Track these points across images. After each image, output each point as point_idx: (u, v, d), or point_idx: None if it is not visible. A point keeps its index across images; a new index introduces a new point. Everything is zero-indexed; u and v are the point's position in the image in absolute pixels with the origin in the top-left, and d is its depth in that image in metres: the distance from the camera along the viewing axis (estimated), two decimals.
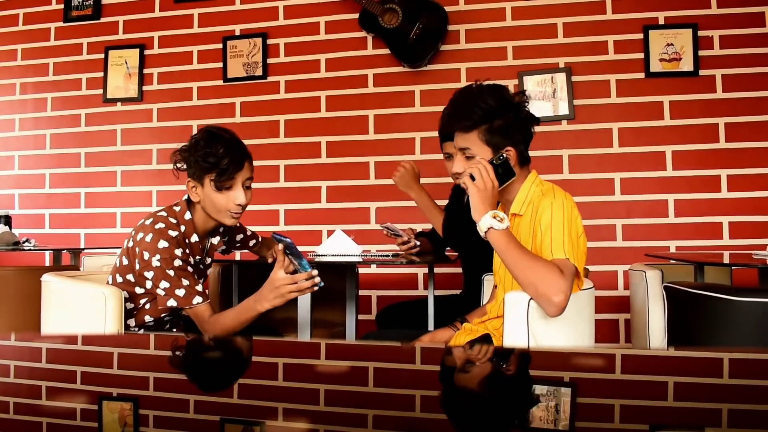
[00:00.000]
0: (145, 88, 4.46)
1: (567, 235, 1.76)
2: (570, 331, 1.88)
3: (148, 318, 2.20)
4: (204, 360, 0.98)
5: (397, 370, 0.89)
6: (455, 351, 1.17)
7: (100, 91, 4.52)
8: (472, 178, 1.82)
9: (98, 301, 2.07)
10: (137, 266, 2.11)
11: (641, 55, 3.79)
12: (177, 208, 2.19)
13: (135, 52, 4.46)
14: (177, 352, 1.03)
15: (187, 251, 2.15)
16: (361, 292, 3.85)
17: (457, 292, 3.27)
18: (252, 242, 2.57)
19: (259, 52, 4.27)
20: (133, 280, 2.16)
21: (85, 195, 4.52)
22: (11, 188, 4.66)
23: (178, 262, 2.08)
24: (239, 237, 2.52)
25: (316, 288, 1.99)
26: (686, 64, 3.73)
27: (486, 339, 1.96)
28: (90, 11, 4.56)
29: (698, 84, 3.73)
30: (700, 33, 3.73)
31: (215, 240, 2.30)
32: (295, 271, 1.99)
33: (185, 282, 2.08)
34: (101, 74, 4.52)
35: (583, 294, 1.91)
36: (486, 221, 1.76)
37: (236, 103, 4.30)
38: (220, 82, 4.34)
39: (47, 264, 4.33)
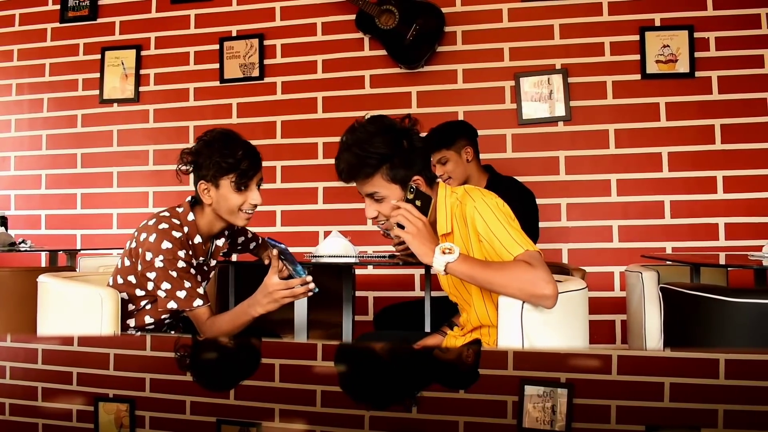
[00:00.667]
0: (141, 88, 4.45)
1: (509, 228, 1.75)
2: (564, 331, 1.88)
3: (148, 319, 2.20)
4: (203, 361, 0.98)
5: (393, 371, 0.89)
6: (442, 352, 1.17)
7: (97, 92, 4.51)
8: (401, 227, 1.76)
9: (95, 302, 2.06)
10: (140, 267, 2.11)
11: (637, 57, 3.80)
12: (180, 210, 2.19)
13: (131, 53, 4.46)
14: (176, 354, 1.03)
15: (190, 253, 2.15)
16: (358, 293, 3.85)
17: None
18: (252, 245, 2.57)
19: (255, 53, 4.27)
20: (134, 281, 2.16)
21: (81, 196, 4.51)
22: (7, 189, 4.65)
23: (181, 264, 2.08)
24: (241, 239, 2.52)
25: (310, 293, 2.00)
26: (682, 66, 3.74)
27: (476, 344, 1.96)
28: (86, 12, 4.55)
29: (694, 85, 3.74)
30: (696, 35, 3.74)
31: (220, 242, 2.29)
32: (289, 276, 2.00)
33: (187, 284, 2.08)
34: (98, 75, 4.51)
35: (576, 294, 1.91)
36: (439, 261, 1.71)
37: (233, 104, 4.30)
38: (217, 83, 4.33)
39: (43, 265, 4.33)
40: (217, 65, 4.33)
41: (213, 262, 2.34)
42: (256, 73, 4.27)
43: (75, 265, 3.65)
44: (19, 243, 3.70)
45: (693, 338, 1.83)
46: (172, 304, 2.08)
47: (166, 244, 2.07)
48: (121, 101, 4.47)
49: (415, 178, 1.83)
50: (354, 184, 1.91)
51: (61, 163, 4.56)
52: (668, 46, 3.75)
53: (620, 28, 3.83)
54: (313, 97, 4.20)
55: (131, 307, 2.19)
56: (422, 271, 3.88)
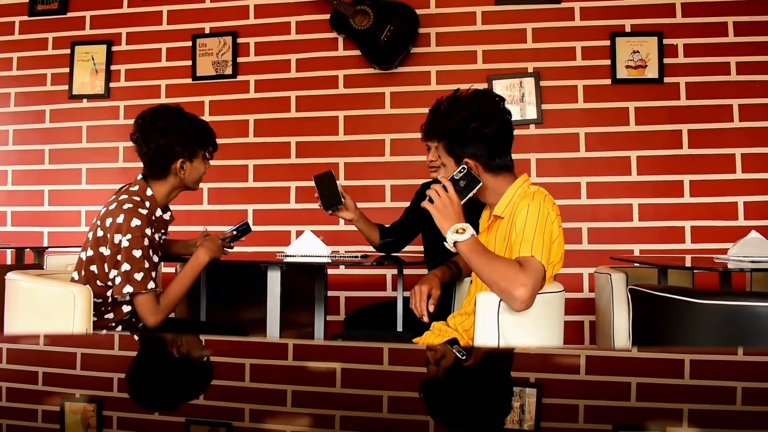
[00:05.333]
0: (112, 84, 4.39)
1: (538, 235, 1.82)
2: (539, 332, 1.91)
3: (126, 308, 2.21)
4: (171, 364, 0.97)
5: (365, 371, 0.90)
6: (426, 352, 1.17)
7: (66, 87, 4.43)
8: (431, 201, 1.90)
9: (67, 300, 2.04)
10: (107, 252, 2.13)
11: (608, 62, 3.85)
12: (136, 188, 2.24)
13: (102, 48, 4.39)
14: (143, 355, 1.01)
15: (154, 229, 2.21)
16: (330, 293, 3.84)
17: None
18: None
19: (228, 50, 4.23)
20: (97, 270, 2.16)
21: (48, 192, 4.43)
22: None
23: (146, 242, 2.13)
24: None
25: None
26: (651, 72, 3.80)
27: (454, 343, 1.98)
28: (56, 5, 4.47)
29: (663, 91, 3.80)
30: (665, 41, 3.80)
31: (167, 216, 2.38)
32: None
33: (146, 264, 2.12)
34: (67, 70, 4.43)
35: (554, 296, 1.94)
36: (450, 237, 1.85)
37: (205, 102, 4.26)
38: (189, 81, 4.29)
39: (9, 263, 4.24)
40: (189, 62, 4.29)
41: (165, 236, 2.43)
42: (228, 71, 4.23)
43: (42, 263, 3.58)
44: None
45: (661, 339, 1.86)
46: (128, 288, 2.10)
47: (135, 222, 2.11)
48: (91, 97, 4.39)
49: (466, 159, 1.95)
50: None
51: (28, 159, 4.47)
52: (638, 51, 3.81)
53: (591, 34, 3.88)
54: (287, 96, 4.18)
55: (98, 300, 2.18)
56: (394, 271, 3.89)
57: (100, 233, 2.17)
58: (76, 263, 2.26)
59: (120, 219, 2.12)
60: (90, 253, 2.18)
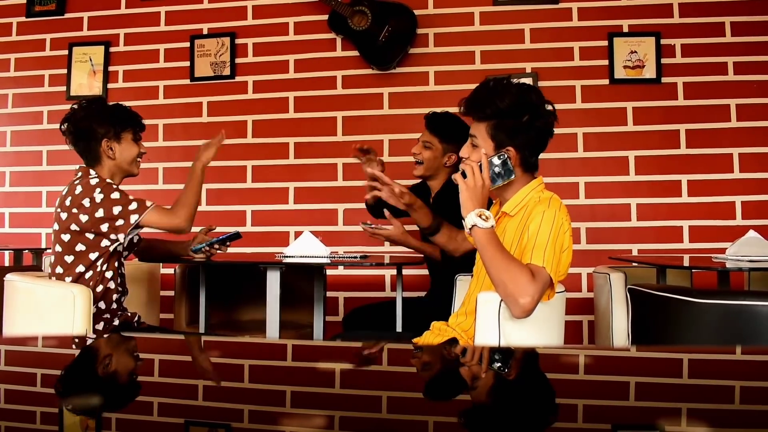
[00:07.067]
0: (109, 86, 4.38)
1: (550, 245, 1.80)
2: (540, 332, 1.91)
3: (109, 274, 2.29)
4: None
5: (364, 371, 0.90)
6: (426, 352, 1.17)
7: (64, 88, 4.43)
8: (464, 175, 1.85)
9: (67, 301, 2.05)
10: (86, 219, 2.21)
11: (606, 62, 3.85)
12: (79, 174, 2.37)
13: (100, 49, 4.38)
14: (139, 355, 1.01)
15: None
16: (329, 294, 3.84)
17: (422, 294, 3.29)
18: (136, 238, 2.63)
19: (227, 51, 4.23)
20: (84, 248, 2.24)
21: (46, 194, 4.42)
22: None
23: (114, 186, 2.27)
24: None
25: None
26: (649, 72, 3.80)
27: (454, 343, 1.97)
28: (54, 6, 4.46)
29: (660, 91, 3.80)
30: (663, 41, 3.80)
31: None
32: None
33: (131, 197, 2.25)
34: (65, 71, 4.42)
35: (555, 297, 1.94)
36: (471, 219, 1.80)
37: (203, 103, 4.25)
38: (187, 81, 4.28)
39: (7, 264, 4.23)
40: (187, 63, 4.28)
41: None
42: (227, 71, 4.23)
43: (41, 265, 3.58)
44: None
45: (659, 338, 1.86)
46: (133, 218, 2.22)
47: (93, 181, 2.25)
48: (89, 98, 4.38)
49: (509, 148, 1.89)
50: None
51: (26, 161, 4.46)
52: (636, 52, 3.81)
53: (589, 34, 3.88)
54: (285, 96, 4.17)
55: (85, 271, 2.26)
56: (393, 271, 3.89)
57: (64, 216, 2.26)
58: (51, 263, 2.31)
59: (78, 190, 2.25)
60: (67, 238, 2.25)
